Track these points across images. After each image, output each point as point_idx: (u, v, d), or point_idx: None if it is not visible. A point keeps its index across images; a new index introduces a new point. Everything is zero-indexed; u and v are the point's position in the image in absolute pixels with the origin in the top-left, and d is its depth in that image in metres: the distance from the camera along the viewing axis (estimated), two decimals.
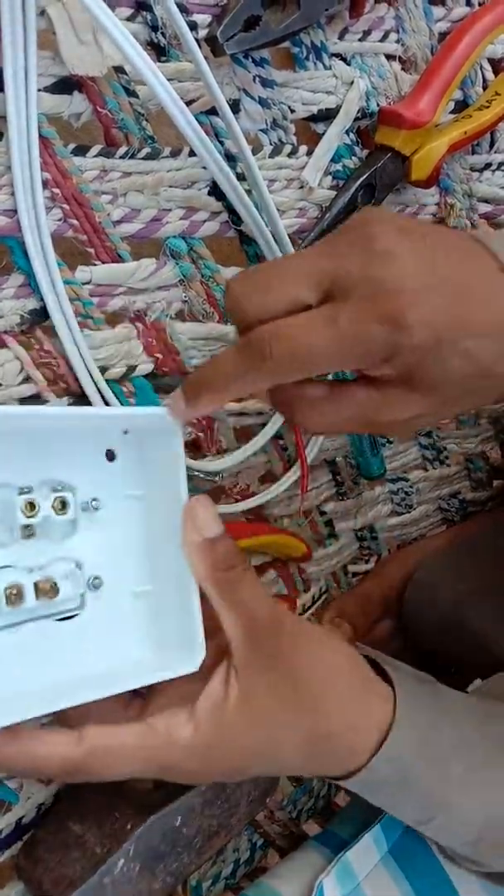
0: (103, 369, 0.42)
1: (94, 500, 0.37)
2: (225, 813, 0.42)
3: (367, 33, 0.47)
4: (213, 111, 0.42)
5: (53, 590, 0.34)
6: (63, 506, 0.35)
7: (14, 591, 0.33)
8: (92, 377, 0.41)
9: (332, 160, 0.48)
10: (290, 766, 0.37)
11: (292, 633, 0.36)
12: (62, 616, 0.36)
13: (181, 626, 0.36)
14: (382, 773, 0.36)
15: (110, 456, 0.37)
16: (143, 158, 0.41)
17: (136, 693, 0.36)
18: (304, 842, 0.47)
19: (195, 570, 0.35)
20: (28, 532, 0.34)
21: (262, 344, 0.31)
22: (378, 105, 0.48)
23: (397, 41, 0.49)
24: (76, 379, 0.41)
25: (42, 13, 0.36)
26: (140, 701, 0.37)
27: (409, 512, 0.61)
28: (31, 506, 0.34)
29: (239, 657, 0.35)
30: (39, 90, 0.37)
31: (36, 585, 0.34)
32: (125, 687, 0.34)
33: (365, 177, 0.47)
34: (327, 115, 0.47)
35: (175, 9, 0.38)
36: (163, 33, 0.40)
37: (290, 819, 0.51)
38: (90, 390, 0.41)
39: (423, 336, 0.30)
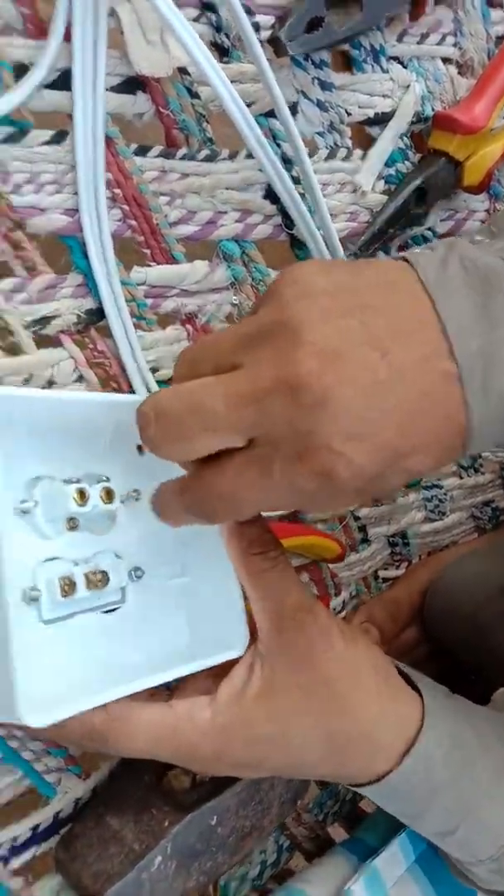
0: (153, 370, 0.42)
1: (136, 490, 0.37)
2: (258, 814, 0.42)
3: (424, 36, 0.47)
4: (270, 113, 0.42)
5: (104, 580, 0.35)
6: (109, 496, 0.35)
7: (67, 582, 0.33)
8: (143, 378, 0.41)
9: (385, 164, 0.47)
10: (308, 764, 0.37)
11: (322, 626, 0.36)
12: (107, 608, 0.36)
13: (222, 612, 0.36)
14: (409, 779, 0.36)
15: (142, 449, 0.37)
16: (201, 160, 0.41)
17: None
18: (332, 847, 0.48)
19: (229, 553, 0.35)
20: (72, 524, 0.35)
21: (198, 496, 0.30)
22: (433, 109, 0.48)
23: (454, 45, 0.49)
24: (127, 379, 0.41)
25: (112, 13, 0.36)
26: (165, 690, 0.37)
27: (442, 519, 0.61)
28: (83, 494, 0.34)
29: (264, 644, 0.35)
30: (105, 89, 0.37)
31: (86, 576, 0.34)
32: (173, 675, 0.34)
33: (418, 182, 0.47)
34: (382, 119, 0.47)
35: (241, 10, 0.38)
36: (226, 34, 0.40)
37: (316, 822, 0.51)
38: (141, 391, 0.41)
39: (361, 482, 0.28)
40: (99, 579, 0.34)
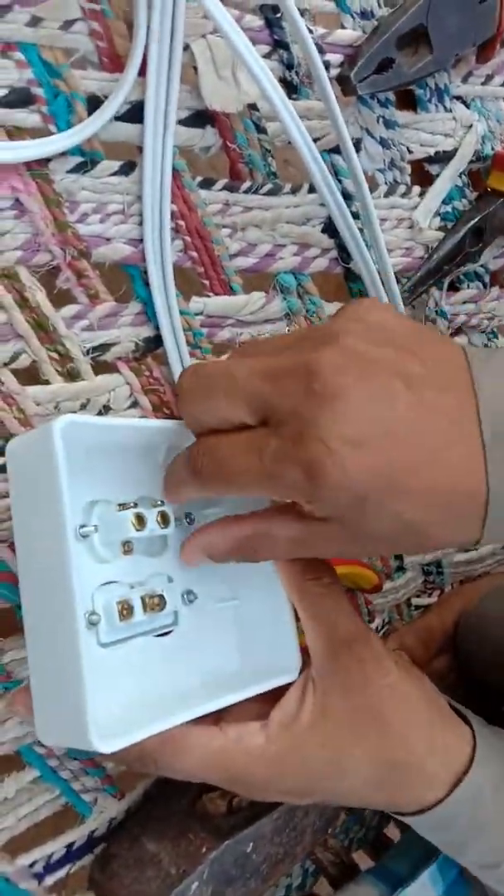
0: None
1: (187, 514, 0.37)
2: (292, 841, 0.43)
3: (489, 77, 0.47)
4: (335, 149, 0.43)
5: (160, 604, 0.35)
6: (164, 520, 0.35)
7: (125, 606, 0.33)
8: None
9: (443, 201, 0.48)
10: (358, 793, 0.36)
11: (375, 655, 0.36)
12: (161, 631, 0.36)
13: (274, 636, 0.36)
14: (456, 812, 0.36)
15: None
16: (264, 194, 0.41)
17: None
18: (360, 875, 0.48)
19: (282, 578, 0.36)
20: (127, 548, 0.35)
21: (195, 457, 0.31)
22: (493, 149, 0.48)
23: None
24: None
25: (186, 48, 0.37)
26: (213, 715, 0.37)
27: (476, 549, 0.61)
28: (140, 519, 0.34)
29: (317, 670, 0.35)
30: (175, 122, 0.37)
31: (143, 600, 0.34)
32: (231, 700, 0.34)
33: (475, 221, 0.47)
34: (443, 157, 0.47)
35: (314, 48, 0.38)
36: (296, 72, 0.40)
37: (341, 847, 0.51)
38: None
39: (345, 493, 0.28)
40: (156, 603, 0.34)
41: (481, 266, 0.50)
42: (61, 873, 0.41)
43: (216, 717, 0.36)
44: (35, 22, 0.34)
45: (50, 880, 0.40)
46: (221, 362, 0.31)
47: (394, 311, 0.31)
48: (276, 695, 0.36)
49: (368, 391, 0.28)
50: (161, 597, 0.35)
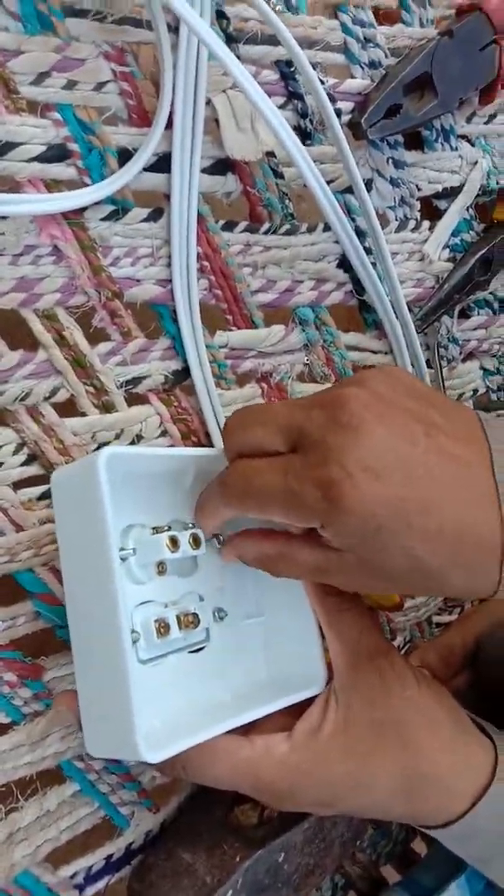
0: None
1: (218, 535, 0.39)
2: (321, 852, 0.44)
3: (492, 117, 0.50)
4: (347, 189, 0.45)
5: (195, 621, 0.36)
6: (196, 542, 0.37)
7: (162, 624, 0.35)
8: (221, 432, 0.44)
9: (451, 234, 0.50)
10: (381, 804, 0.37)
11: (398, 669, 0.37)
12: (195, 648, 0.38)
13: (300, 650, 0.38)
14: (480, 825, 0.37)
15: None
16: (282, 234, 0.44)
17: None
18: (387, 888, 0.49)
19: (307, 592, 0.37)
20: (161, 569, 0.36)
21: (226, 476, 0.34)
22: (498, 183, 0.51)
23: None
24: (206, 433, 0.44)
25: (208, 102, 0.40)
26: (242, 726, 0.39)
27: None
28: (174, 542, 0.36)
29: (340, 682, 0.36)
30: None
31: (178, 618, 0.36)
32: (261, 713, 0.35)
33: (483, 251, 0.49)
34: (450, 193, 0.50)
35: (326, 98, 0.41)
36: (310, 120, 0.43)
37: (369, 861, 0.53)
38: (218, 444, 0.44)
39: (359, 520, 0.29)
40: (190, 621, 0.36)
41: (490, 294, 0.52)
42: (101, 884, 0.42)
43: (245, 729, 0.38)
44: (71, 85, 0.36)
45: (90, 891, 0.42)
46: (266, 404, 0.33)
47: (409, 373, 0.34)
48: (300, 708, 0.37)
49: (390, 428, 0.30)
50: (195, 615, 0.36)
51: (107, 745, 0.32)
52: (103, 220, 0.39)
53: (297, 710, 0.37)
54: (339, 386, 0.32)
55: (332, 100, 0.43)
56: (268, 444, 0.32)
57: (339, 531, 0.30)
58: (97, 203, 0.38)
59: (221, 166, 0.41)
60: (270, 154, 0.42)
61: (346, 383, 0.32)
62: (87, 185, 0.37)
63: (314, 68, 0.42)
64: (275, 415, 0.33)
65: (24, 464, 0.37)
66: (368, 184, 0.46)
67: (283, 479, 0.31)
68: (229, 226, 0.42)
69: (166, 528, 0.37)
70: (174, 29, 0.38)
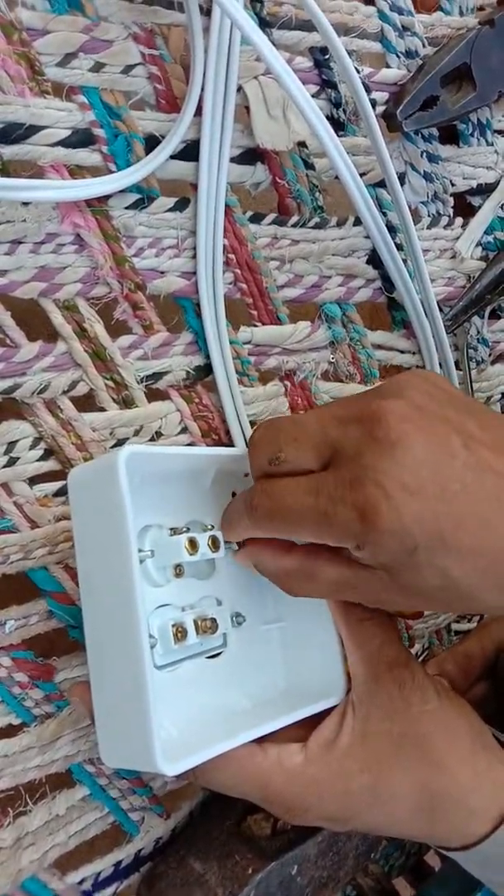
0: (252, 423, 0.43)
1: None
2: (335, 865, 0.43)
3: None
4: (380, 183, 0.44)
5: (213, 627, 0.35)
6: (215, 544, 0.36)
7: (179, 629, 0.34)
8: (242, 430, 0.43)
9: (484, 232, 0.49)
10: (397, 822, 0.36)
11: (418, 681, 0.36)
12: (212, 654, 0.37)
13: (320, 659, 0.37)
14: (503, 848, 0.35)
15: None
16: (311, 228, 0.42)
17: None
18: None
19: (328, 600, 0.36)
20: (178, 571, 0.35)
21: (252, 495, 0.32)
22: None
23: None
24: (227, 431, 0.43)
25: (239, 89, 0.38)
26: None
27: None
28: (193, 544, 0.35)
29: (359, 694, 0.35)
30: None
31: (195, 623, 0.35)
32: (281, 723, 0.34)
33: None
34: (485, 189, 0.48)
35: (361, 87, 0.39)
36: (344, 110, 0.41)
37: (382, 873, 0.51)
38: (239, 442, 0.43)
39: (396, 541, 0.28)
40: (208, 626, 0.35)
41: None
42: (109, 891, 0.41)
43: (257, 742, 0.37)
44: (98, 67, 0.35)
45: None
46: (294, 415, 0.31)
47: (445, 378, 0.32)
48: (316, 718, 0.36)
49: (428, 443, 0.28)
50: (213, 619, 0.35)
51: (122, 755, 0.31)
52: (128, 208, 0.37)
53: (313, 719, 0.36)
54: (376, 396, 0.30)
55: (368, 90, 0.41)
56: (299, 462, 0.31)
57: (375, 552, 0.29)
58: (122, 191, 0.37)
59: (250, 156, 0.40)
60: (301, 144, 0.41)
61: (384, 394, 0.30)
62: (111, 171, 0.36)
63: (349, 56, 0.40)
64: (306, 431, 0.31)
65: (41, 459, 0.36)
66: (401, 178, 0.45)
67: (315, 501, 0.29)
68: (257, 217, 0.41)
69: (184, 529, 0.36)
70: (206, 11, 0.36)
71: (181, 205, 0.39)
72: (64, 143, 0.35)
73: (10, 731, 0.37)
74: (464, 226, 0.48)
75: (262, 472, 0.32)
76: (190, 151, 0.38)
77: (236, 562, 0.36)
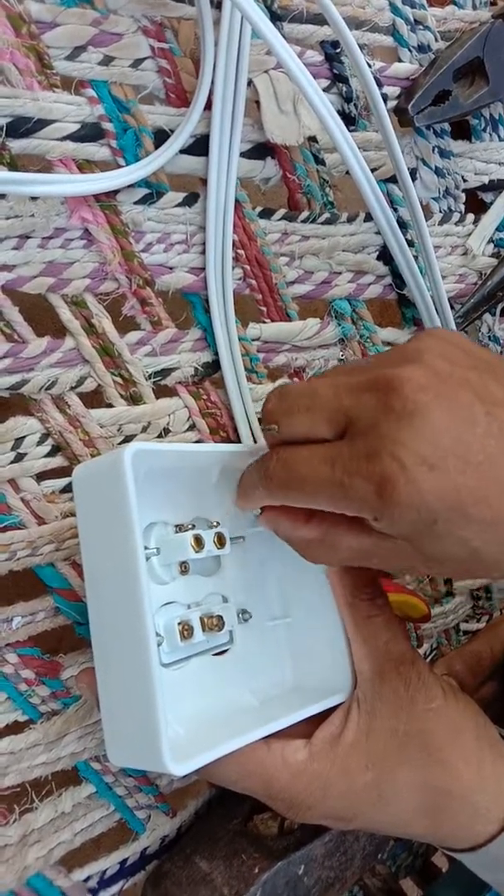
0: (260, 421, 0.43)
1: (241, 536, 0.38)
2: (342, 865, 0.43)
3: None
4: (391, 179, 0.43)
5: (219, 624, 0.35)
6: (220, 541, 0.36)
7: (186, 627, 0.34)
8: (251, 427, 0.43)
9: (496, 228, 0.48)
10: (402, 821, 0.36)
11: (424, 679, 0.35)
12: (218, 651, 0.37)
13: (326, 655, 0.36)
14: None
15: None
16: (321, 223, 0.42)
17: None
18: None
19: (335, 594, 0.36)
20: (184, 568, 0.35)
21: (267, 464, 0.31)
22: None
23: None
24: (235, 428, 0.42)
25: (249, 83, 0.38)
26: None
27: None
28: (199, 541, 0.35)
29: (364, 691, 0.35)
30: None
31: (201, 620, 0.35)
32: (289, 721, 0.34)
33: None
34: (497, 185, 0.47)
35: (372, 81, 0.39)
36: (355, 104, 0.41)
37: (389, 874, 0.51)
38: (247, 440, 0.43)
39: (414, 514, 0.27)
40: (214, 623, 0.35)
41: None
42: (114, 889, 0.41)
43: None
44: (107, 61, 0.35)
45: (104, 895, 0.41)
46: (305, 381, 0.31)
47: (471, 340, 0.31)
48: (320, 714, 0.35)
49: (448, 412, 0.27)
50: (219, 617, 0.35)
51: (129, 754, 0.31)
52: (137, 203, 0.37)
53: (317, 715, 0.35)
54: (393, 363, 0.29)
55: (379, 84, 0.41)
56: (313, 431, 0.30)
57: (393, 523, 0.28)
58: (131, 186, 0.36)
59: (260, 150, 0.40)
60: (312, 139, 0.41)
61: (400, 359, 0.29)
62: (120, 166, 0.36)
63: (361, 50, 0.40)
64: (321, 399, 0.30)
65: (48, 455, 0.36)
66: (413, 173, 0.44)
67: (331, 471, 0.28)
68: (266, 213, 0.41)
69: (190, 526, 0.35)
70: (217, 4, 0.36)
71: (190, 200, 0.38)
72: (73, 137, 0.35)
73: (16, 728, 0.37)
74: (475, 222, 0.47)
75: (276, 440, 0.32)
76: (199, 146, 0.38)
77: (258, 524, 0.35)
